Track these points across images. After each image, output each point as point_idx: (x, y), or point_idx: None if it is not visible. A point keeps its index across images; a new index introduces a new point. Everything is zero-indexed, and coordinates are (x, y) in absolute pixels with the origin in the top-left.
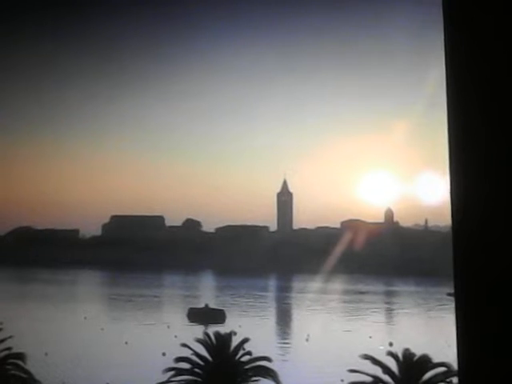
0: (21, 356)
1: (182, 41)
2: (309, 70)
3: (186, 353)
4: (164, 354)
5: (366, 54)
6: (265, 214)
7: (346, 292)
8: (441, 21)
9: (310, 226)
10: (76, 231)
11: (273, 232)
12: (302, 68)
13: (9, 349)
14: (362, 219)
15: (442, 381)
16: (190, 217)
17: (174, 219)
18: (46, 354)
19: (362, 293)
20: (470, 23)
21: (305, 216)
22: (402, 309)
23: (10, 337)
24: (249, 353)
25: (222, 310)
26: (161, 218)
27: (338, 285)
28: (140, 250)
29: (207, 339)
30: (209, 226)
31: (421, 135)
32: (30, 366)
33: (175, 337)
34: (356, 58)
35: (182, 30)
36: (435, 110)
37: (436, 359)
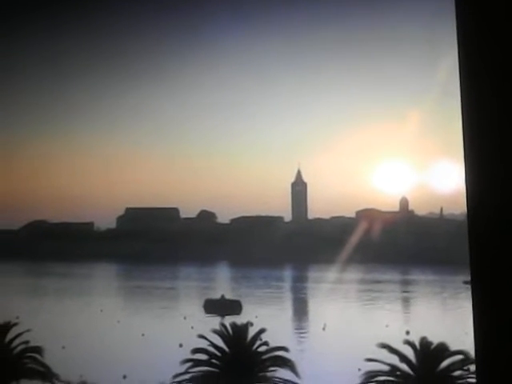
0: (38, 350)
1: (193, 34)
2: (321, 59)
3: (203, 344)
4: (181, 346)
5: (378, 41)
6: (279, 205)
7: (362, 281)
8: (453, 7)
9: (325, 215)
10: (91, 224)
11: (287, 222)
12: (314, 57)
13: (26, 342)
14: (377, 208)
15: (459, 369)
16: (204, 208)
17: (188, 211)
18: (63, 348)
19: (377, 282)
20: (482, 8)
21: (319, 206)
22: (419, 297)
23: (27, 331)
24: (266, 343)
25: (238, 301)
26: (175, 210)
27: (353, 274)
28: (155, 242)
29: (224, 330)
30: (223, 218)
31: (435, 123)
32: (48, 359)
33: (192, 328)
34: (368, 46)
35: (191, 22)
36: (449, 97)
37: (453, 347)
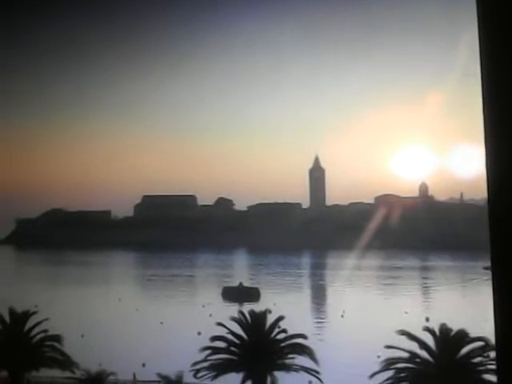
0: (57, 338)
1: (204, 18)
2: (339, 42)
3: (222, 332)
4: (199, 334)
5: (396, 22)
6: (297, 191)
7: (382, 268)
8: None
9: (344, 202)
10: (108, 212)
11: (305, 209)
12: (332, 41)
13: (45, 331)
14: (396, 194)
15: (479, 355)
16: (222, 195)
17: (206, 198)
18: (82, 336)
19: (397, 268)
20: None
21: (338, 192)
22: (438, 284)
23: (46, 319)
24: (284, 330)
25: (256, 288)
26: (193, 198)
27: (372, 261)
28: (172, 230)
29: (242, 318)
30: (241, 204)
31: (456, 105)
32: (67, 347)
33: (210, 316)
34: (386, 27)
35: (201, 6)
36: (470, 79)
37: (473, 334)
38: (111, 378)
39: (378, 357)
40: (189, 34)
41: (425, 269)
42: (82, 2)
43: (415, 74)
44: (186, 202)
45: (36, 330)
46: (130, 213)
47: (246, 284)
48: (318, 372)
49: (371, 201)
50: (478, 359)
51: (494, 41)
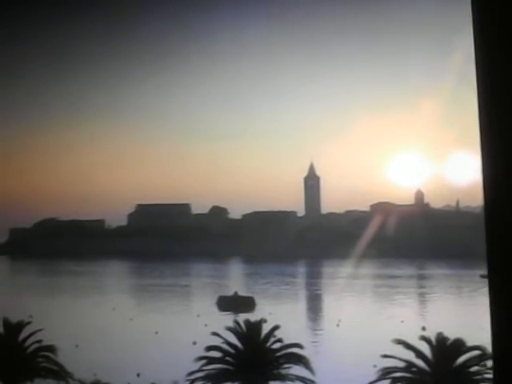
0: (51, 348)
1: (197, 25)
2: (333, 49)
3: (217, 341)
4: (195, 343)
5: (393, 29)
6: (292, 199)
7: (377, 276)
8: None
9: (339, 209)
10: (101, 221)
11: (301, 217)
12: (327, 46)
13: (39, 341)
14: (392, 201)
15: (476, 364)
16: (216, 204)
17: (200, 207)
18: (77, 346)
19: (393, 277)
20: None
21: (333, 200)
22: (435, 292)
23: (40, 329)
24: (280, 340)
25: (251, 298)
26: (187, 206)
27: (368, 269)
28: (167, 239)
29: (237, 327)
30: (235, 213)
31: (451, 113)
32: (61, 358)
33: (205, 325)
34: (383, 34)
35: (195, 12)
36: (465, 86)
37: (470, 342)
38: None
39: (375, 366)
40: (182, 41)
41: (421, 277)
42: (75, 10)
43: (410, 82)
44: (180, 211)
45: (30, 340)
46: (124, 222)
47: (242, 293)
48: (313, 382)
49: (367, 209)
50: (474, 368)
51: (490, 47)
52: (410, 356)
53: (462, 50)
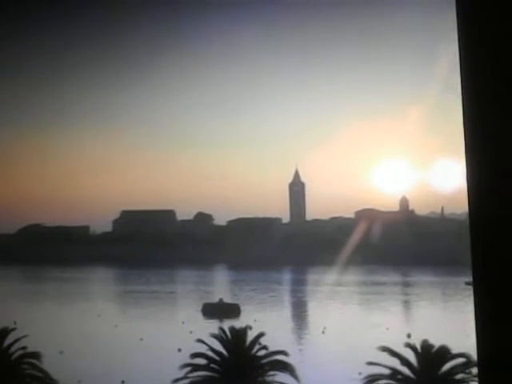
0: (36, 355)
1: (182, 27)
2: (317, 55)
3: (202, 348)
4: (180, 350)
5: (377, 37)
6: (277, 206)
7: (362, 283)
8: (453, 1)
9: (324, 216)
10: (86, 227)
11: (286, 224)
12: (312, 53)
13: (24, 348)
14: (377, 208)
15: (461, 372)
16: (201, 210)
17: (185, 213)
18: (61, 353)
19: (378, 284)
20: (483, 1)
21: (318, 206)
22: (420, 299)
23: (25, 336)
24: (265, 347)
25: (236, 305)
26: (172, 212)
27: (353, 276)
28: (152, 245)
29: (222, 334)
30: (220, 219)
31: (436, 120)
32: (46, 364)
33: (190, 332)
34: (367, 42)
35: (183, 17)
36: (451, 93)
37: (455, 350)
38: None
39: (360, 373)
40: (168, 47)
41: (406, 284)
42: (63, 16)
43: (395, 88)
44: (165, 217)
45: (15, 346)
46: (109, 228)
47: (227, 300)
48: None
49: (351, 215)
50: (460, 376)
51: (474, 54)
52: (395, 363)
53: (446, 58)
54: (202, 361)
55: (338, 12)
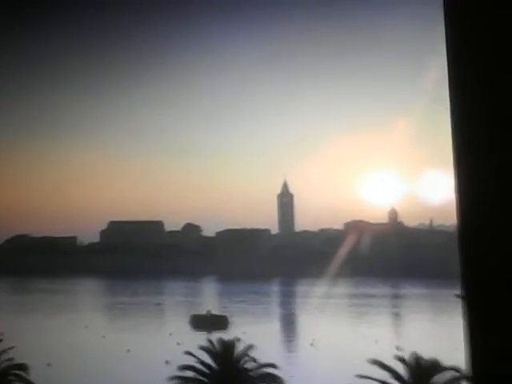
0: (23, 367)
1: (176, 40)
2: (308, 67)
3: (190, 360)
4: (167, 362)
5: (366, 50)
6: (266, 217)
7: (351, 296)
8: (441, 14)
9: (313, 227)
10: (74, 238)
11: (274, 235)
12: (301, 65)
13: (10, 360)
14: (366, 220)
15: None
16: (189, 221)
17: (173, 224)
18: (49, 365)
19: (367, 296)
20: (470, 14)
21: (307, 218)
22: (409, 312)
23: (12, 347)
24: (254, 359)
25: (224, 316)
26: (160, 223)
27: (342, 288)
28: (139, 256)
29: (211, 346)
30: (209, 231)
31: (425, 132)
32: (33, 376)
33: (178, 344)
34: (357, 54)
35: (176, 27)
36: (439, 105)
37: (445, 362)
38: None
39: None
40: (157, 57)
41: (395, 296)
42: (54, 24)
43: (384, 101)
44: (153, 228)
45: (1, 358)
46: (97, 239)
47: (215, 312)
48: None
49: (340, 227)
50: None
51: (462, 67)
52: (385, 376)
53: (435, 70)
54: (190, 373)
55: (327, 26)
